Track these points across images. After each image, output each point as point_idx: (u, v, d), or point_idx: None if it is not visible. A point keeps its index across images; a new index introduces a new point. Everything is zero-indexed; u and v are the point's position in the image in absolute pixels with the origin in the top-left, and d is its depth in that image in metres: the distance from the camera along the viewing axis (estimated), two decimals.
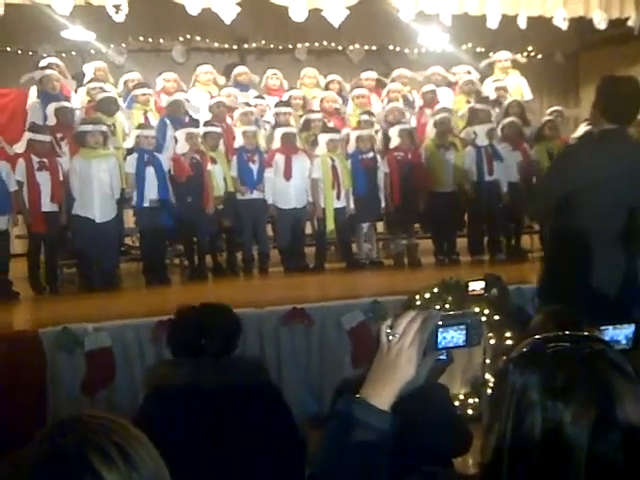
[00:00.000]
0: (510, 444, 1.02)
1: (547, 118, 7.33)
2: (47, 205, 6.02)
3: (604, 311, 2.34)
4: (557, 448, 0.99)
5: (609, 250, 2.92)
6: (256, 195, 6.71)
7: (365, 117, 7.26)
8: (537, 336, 1.09)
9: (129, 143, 6.52)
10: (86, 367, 4.33)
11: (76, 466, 0.87)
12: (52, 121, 6.54)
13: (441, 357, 1.24)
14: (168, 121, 6.89)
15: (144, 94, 7.26)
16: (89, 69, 7.66)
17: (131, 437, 0.93)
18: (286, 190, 6.69)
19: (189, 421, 2.02)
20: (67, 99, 7.00)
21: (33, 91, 7.07)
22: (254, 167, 6.70)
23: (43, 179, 6.01)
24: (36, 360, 4.29)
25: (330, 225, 6.67)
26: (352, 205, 6.81)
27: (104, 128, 6.26)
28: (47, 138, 6.14)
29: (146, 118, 7.06)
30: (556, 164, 3.27)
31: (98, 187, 6.08)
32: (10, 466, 0.90)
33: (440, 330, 1.15)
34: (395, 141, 6.91)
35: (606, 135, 3.05)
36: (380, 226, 7.68)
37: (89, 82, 7.37)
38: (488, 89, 8.03)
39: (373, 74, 8.44)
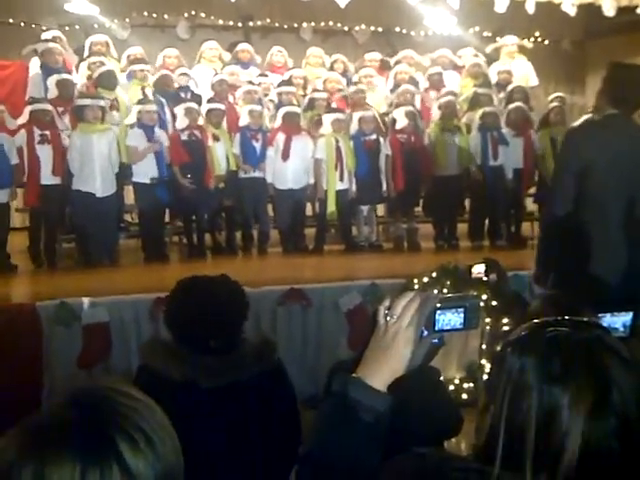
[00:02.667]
0: (505, 426, 1.02)
1: (554, 104, 7.27)
2: (48, 178, 5.99)
3: (603, 298, 2.34)
4: (552, 432, 0.98)
5: (610, 236, 2.91)
6: (258, 174, 6.68)
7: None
8: (536, 320, 1.09)
9: (131, 118, 6.48)
10: (83, 341, 4.34)
11: (103, 450, 0.87)
12: (53, 93, 6.49)
13: (434, 340, 1.23)
14: (158, 96, 6.82)
15: (142, 70, 7.20)
16: (89, 43, 7.58)
17: (157, 423, 0.92)
18: (284, 170, 6.65)
19: (183, 412, 1.99)
20: (69, 73, 6.94)
21: (34, 64, 7.01)
22: (257, 145, 6.67)
23: (43, 152, 5.97)
24: (33, 333, 4.30)
25: (331, 207, 6.64)
26: (354, 187, 6.78)
27: (102, 103, 6.21)
28: (48, 107, 6.10)
29: (144, 94, 7.00)
30: (560, 154, 3.26)
31: (99, 162, 6.05)
32: (33, 431, 0.89)
33: (438, 312, 1.14)
34: (401, 122, 6.86)
35: (608, 120, 3.03)
36: (381, 209, 7.66)
37: (89, 56, 7.31)
38: (493, 74, 7.97)
39: (377, 55, 8.37)
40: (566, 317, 1.07)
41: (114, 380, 0.98)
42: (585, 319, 1.10)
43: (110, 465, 0.86)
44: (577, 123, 3.15)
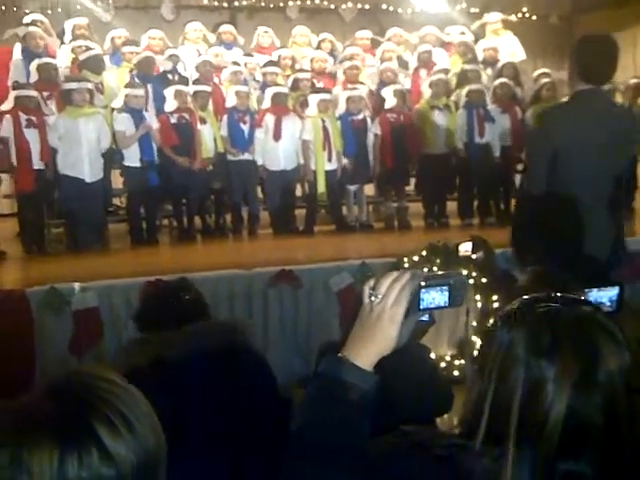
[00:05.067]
0: (492, 399, 1.03)
1: (545, 80, 7.24)
2: (36, 163, 5.94)
3: (585, 273, 2.35)
4: (537, 404, 0.99)
5: (590, 212, 2.92)
6: (247, 156, 6.65)
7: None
8: (527, 296, 1.09)
9: (117, 102, 6.41)
10: (73, 327, 4.33)
11: (82, 435, 0.86)
12: (34, 77, 6.40)
13: (423, 318, 1.23)
14: (138, 79, 6.72)
15: (132, 52, 7.11)
16: (69, 26, 7.46)
17: (137, 408, 0.92)
18: (275, 151, 6.62)
19: (157, 399, 1.93)
20: (52, 57, 6.85)
21: (17, 49, 6.92)
22: (245, 127, 6.63)
23: (32, 137, 5.92)
24: (24, 319, 4.28)
25: (321, 188, 6.63)
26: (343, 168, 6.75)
27: (90, 85, 6.15)
28: (33, 93, 6.02)
29: (132, 77, 6.93)
30: (536, 132, 3.25)
31: (86, 146, 5.99)
32: (12, 416, 0.88)
33: (422, 291, 1.14)
34: (390, 102, 6.83)
35: (581, 95, 3.01)
36: (371, 189, 7.65)
37: (74, 40, 7.20)
38: (479, 51, 7.93)
39: (368, 33, 8.30)
40: (557, 293, 1.08)
41: (94, 365, 0.98)
42: (576, 296, 1.10)
43: (89, 449, 0.85)
44: (548, 106, 3.14)
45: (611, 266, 3.11)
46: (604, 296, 1.94)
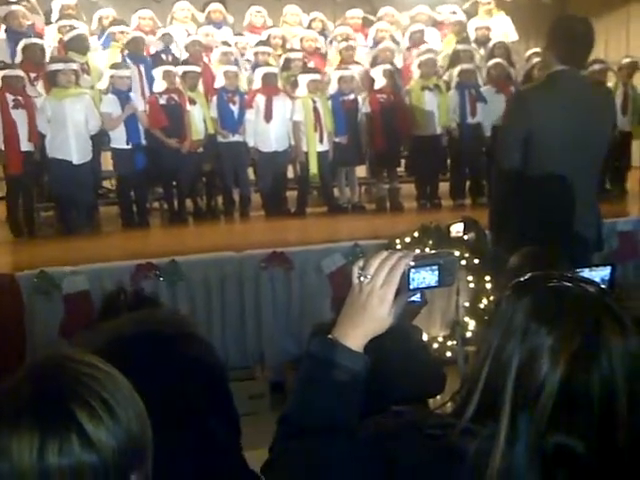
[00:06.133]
0: (486, 374, 1.02)
1: (536, 60, 7.19)
2: (25, 145, 5.87)
3: (570, 254, 2.35)
4: (531, 376, 0.97)
5: (567, 192, 2.92)
6: (237, 138, 6.60)
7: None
8: (540, 272, 1.08)
9: (103, 83, 6.34)
10: (64, 310, 4.31)
11: (62, 421, 0.85)
12: (19, 58, 6.31)
13: (415, 299, 1.22)
14: (129, 60, 6.66)
15: (122, 32, 7.02)
16: (56, 5, 7.34)
17: (119, 393, 0.90)
18: (267, 132, 6.57)
19: None
20: (40, 36, 6.76)
21: (1, 28, 6.81)
22: (235, 108, 6.57)
23: (19, 118, 5.84)
24: (14, 303, 4.25)
25: (313, 169, 6.60)
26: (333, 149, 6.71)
27: (75, 66, 6.06)
28: (20, 72, 5.94)
29: (123, 57, 6.85)
30: (508, 112, 3.23)
31: (73, 128, 5.92)
32: None
33: (412, 271, 1.12)
34: (380, 82, 6.78)
35: (557, 76, 3.01)
36: (363, 170, 7.62)
37: (59, 19, 7.10)
38: (471, 30, 7.87)
39: (359, 12, 8.22)
40: (572, 274, 1.06)
41: (75, 350, 0.96)
42: (592, 280, 1.08)
43: (69, 435, 0.84)
44: (521, 88, 3.12)
45: (594, 248, 3.12)
46: (596, 276, 1.94)
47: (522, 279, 1.08)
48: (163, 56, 7.00)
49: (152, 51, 7.08)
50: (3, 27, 6.76)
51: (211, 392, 1.90)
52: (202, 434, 1.55)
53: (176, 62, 6.78)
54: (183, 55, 6.98)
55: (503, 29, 8.13)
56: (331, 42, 7.61)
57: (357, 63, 7.24)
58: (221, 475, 1.28)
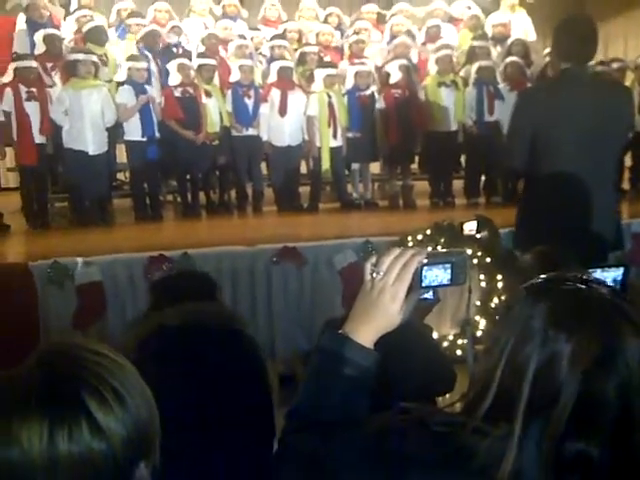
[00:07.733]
0: (500, 376, 1.01)
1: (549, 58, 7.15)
2: (37, 137, 5.90)
3: (587, 253, 2.34)
4: (549, 381, 0.97)
5: (581, 191, 2.91)
6: (251, 132, 6.60)
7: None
8: (553, 273, 1.07)
9: (121, 76, 6.36)
10: (77, 301, 4.34)
11: (72, 408, 0.86)
12: (40, 49, 6.34)
13: (427, 296, 1.21)
14: (146, 52, 6.68)
15: (138, 24, 7.04)
16: None
17: (128, 381, 0.91)
18: (281, 127, 6.56)
19: (159, 366, 1.90)
20: (57, 28, 6.79)
21: (21, 19, 6.85)
22: (249, 102, 6.57)
23: (32, 110, 5.87)
24: (27, 293, 4.29)
25: (325, 164, 6.59)
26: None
27: (95, 58, 6.08)
28: (33, 64, 5.96)
29: (139, 50, 6.87)
30: (514, 112, 3.23)
31: (90, 119, 5.94)
32: (1, 388, 0.88)
33: (425, 268, 1.12)
34: (395, 77, 6.74)
35: (562, 74, 3.02)
36: (376, 167, 7.60)
37: (77, 10, 7.13)
38: (489, 26, 7.82)
39: (374, 7, 8.20)
40: (586, 277, 1.06)
41: (85, 339, 0.97)
42: (604, 281, 1.08)
43: (79, 422, 0.85)
44: (527, 87, 3.14)
45: (612, 248, 3.11)
46: (608, 277, 1.91)
47: (537, 281, 1.07)
48: (174, 49, 7.00)
49: (166, 43, 7.10)
50: (22, 17, 6.80)
51: (252, 388, 1.92)
52: (257, 430, 1.55)
53: (187, 55, 6.78)
54: (199, 48, 6.98)
55: (522, 27, 8.06)
56: (347, 37, 7.58)
57: (365, 57, 7.17)
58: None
